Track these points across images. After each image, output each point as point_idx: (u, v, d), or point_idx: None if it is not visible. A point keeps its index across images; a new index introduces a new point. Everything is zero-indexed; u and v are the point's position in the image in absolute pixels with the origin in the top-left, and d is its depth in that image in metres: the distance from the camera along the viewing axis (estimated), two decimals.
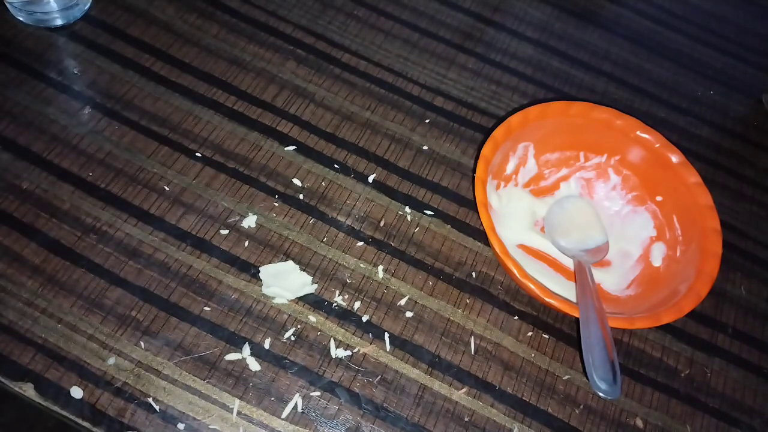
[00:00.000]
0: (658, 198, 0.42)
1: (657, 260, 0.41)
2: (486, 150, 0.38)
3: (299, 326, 0.37)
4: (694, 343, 0.41)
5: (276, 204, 0.41)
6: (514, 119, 0.40)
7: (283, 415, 0.35)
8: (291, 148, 0.44)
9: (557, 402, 0.38)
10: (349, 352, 0.37)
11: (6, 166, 0.40)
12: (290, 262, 0.39)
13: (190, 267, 0.38)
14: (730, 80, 0.55)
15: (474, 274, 0.41)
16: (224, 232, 0.40)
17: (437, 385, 0.37)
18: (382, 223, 0.42)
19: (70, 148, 0.41)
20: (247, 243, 0.39)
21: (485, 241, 0.42)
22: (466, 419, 0.36)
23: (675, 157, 0.41)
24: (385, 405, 0.36)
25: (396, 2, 0.53)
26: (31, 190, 0.39)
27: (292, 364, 0.36)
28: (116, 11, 0.47)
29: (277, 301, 0.38)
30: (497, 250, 0.36)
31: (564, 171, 0.44)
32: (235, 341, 0.36)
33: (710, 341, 0.41)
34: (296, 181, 0.42)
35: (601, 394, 0.33)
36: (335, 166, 0.43)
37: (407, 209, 0.43)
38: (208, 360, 0.35)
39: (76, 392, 0.33)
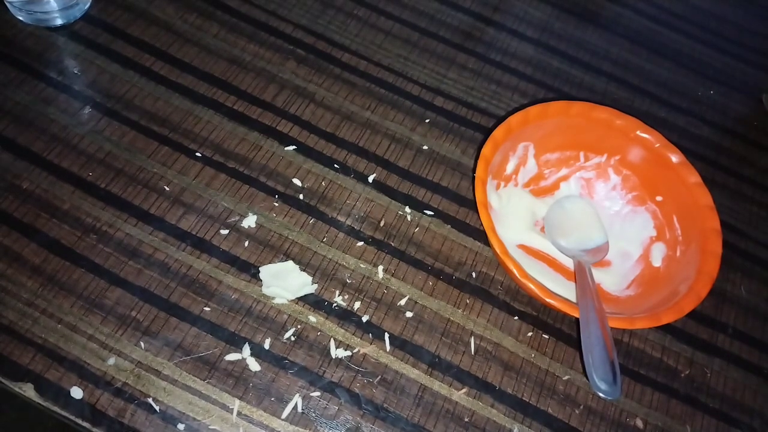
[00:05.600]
0: (658, 198, 0.42)
1: (657, 260, 0.41)
2: (486, 150, 0.38)
3: (299, 326, 0.37)
4: (694, 343, 0.41)
5: (276, 204, 0.41)
6: (514, 119, 0.40)
7: (283, 416, 0.35)
8: (291, 148, 0.44)
9: (557, 402, 0.38)
10: (349, 353, 0.37)
11: (6, 166, 0.40)
12: (290, 262, 0.39)
13: (190, 267, 0.38)
14: (730, 80, 0.55)
15: (474, 274, 0.41)
16: (224, 232, 0.40)
17: (437, 386, 0.37)
18: (382, 223, 0.42)
19: (70, 148, 0.41)
20: (247, 243, 0.39)
21: (485, 241, 0.42)
22: (466, 420, 0.36)
23: (675, 157, 0.41)
24: (385, 405, 0.36)
25: (396, 2, 0.53)
26: (31, 190, 0.39)
27: (292, 364, 0.36)
28: (116, 11, 0.47)
29: (277, 301, 0.38)
30: (497, 250, 0.36)
31: (564, 171, 0.44)
32: (235, 341, 0.36)
33: (710, 341, 0.41)
34: (296, 181, 0.42)
35: (601, 394, 0.33)
36: (335, 166, 0.43)
37: (407, 209, 0.43)
38: (208, 360, 0.35)
39: (76, 392, 0.33)
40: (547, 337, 0.40)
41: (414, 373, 0.37)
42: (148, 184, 0.40)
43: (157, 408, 0.34)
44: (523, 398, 0.37)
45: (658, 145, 0.41)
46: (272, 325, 0.37)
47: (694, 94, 0.53)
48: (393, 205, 0.43)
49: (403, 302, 0.39)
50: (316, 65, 0.48)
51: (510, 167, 0.43)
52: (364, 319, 0.38)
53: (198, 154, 0.42)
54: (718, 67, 0.56)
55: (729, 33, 0.58)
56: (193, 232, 0.39)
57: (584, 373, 0.39)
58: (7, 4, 0.44)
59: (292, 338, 0.37)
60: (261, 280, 0.38)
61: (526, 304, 0.41)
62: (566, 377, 0.38)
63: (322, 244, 0.40)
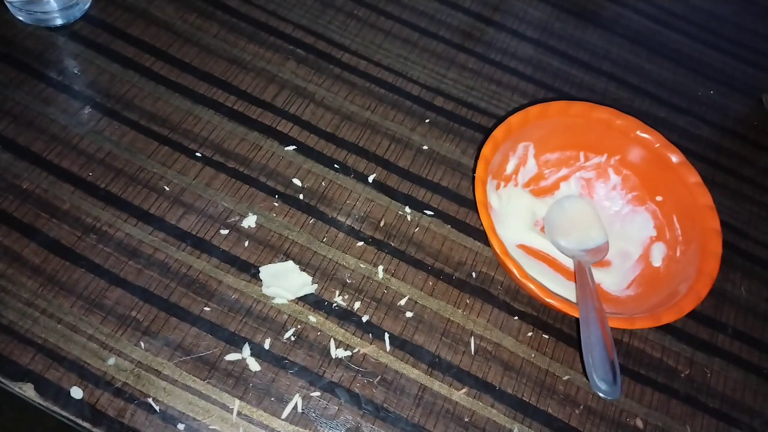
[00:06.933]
0: (658, 198, 0.42)
1: (657, 260, 0.41)
2: (486, 150, 0.38)
3: (299, 326, 0.37)
4: (694, 343, 0.41)
5: (276, 204, 0.41)
6: (514, 119, 0.40)
7: (283, 416, 0.35)
8: (291, 148, 0.44)
9: (557, 402, 0.38)
10: (349, 353, 0.37)
11: (6, 166, 0.40)
12: (290, 262, 0.39)
13: (190, 267, 0.38)
14: (730, 80, 0.55)
15: (474, 274, 0.41)
16: (224, 232, 0.40)
17: (437, 386, 0.37)
18: (382, 223, 0.42)
19: (70, 148, 0.41)
20: (247, 243, 0.39)
21: (485, 241, 0.42)
22: (466, 419, 0.36)
23: (675, 157, 0.41)
24: (385, 405, 0.36)
25: (396, 2, 0.53)
26: (31, 190, 0.39)
27: (292, 364, 0.36)
28: (116, 11, 0.47)
29: (277, 301, 0.38)
30: (497, 250, 0.36)
31: (564, 171, 0.44)
32: (235, 341, 0.36)
33: (710, 341, 0.41)
34: (296, 181, 0.42)
35: (601, 394, 0.33)
36: (335, 166, 0.43)
37: (407, 209, 0.43)
38: (208, 360, 0.35)
39: (76, 392, 0.33)
40: (547, 337, 0.40)
41: (414, 373, 0.37)
42: (148, 184, 0.40)
43: (157, 408, 0.34)
44: (523, 398, 0.37)
45: (658, 145, 0.41)
46: (272, 325, 0.37)
47: (694, 94, 0.53)
48: (393, 205, 0.43)
49: (403, 302, 0.39)
50: (316, 65, 0.48)
51: (510, 167, 0.43)
52: (364, 319, 0.38)
53: (198, 154, 0.42)
54: (718, 67, 0.56)
55: (729, 33, 0.58)
56: (193, 232, 0.39)
57: (584, 373, 0.39)
58: (7, 4, 0.44)
59: (292, 338, 0.37)
60: (261, 280, 0.38)
61: (526, 304, 0.41)
62: (566, 377, 0.38)
63: (322, 244, 0.40)
